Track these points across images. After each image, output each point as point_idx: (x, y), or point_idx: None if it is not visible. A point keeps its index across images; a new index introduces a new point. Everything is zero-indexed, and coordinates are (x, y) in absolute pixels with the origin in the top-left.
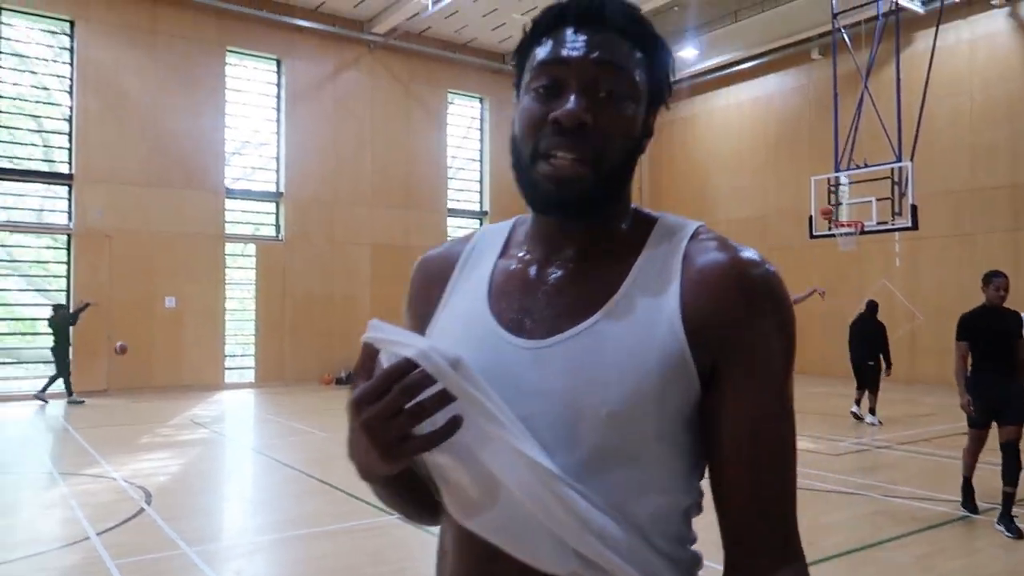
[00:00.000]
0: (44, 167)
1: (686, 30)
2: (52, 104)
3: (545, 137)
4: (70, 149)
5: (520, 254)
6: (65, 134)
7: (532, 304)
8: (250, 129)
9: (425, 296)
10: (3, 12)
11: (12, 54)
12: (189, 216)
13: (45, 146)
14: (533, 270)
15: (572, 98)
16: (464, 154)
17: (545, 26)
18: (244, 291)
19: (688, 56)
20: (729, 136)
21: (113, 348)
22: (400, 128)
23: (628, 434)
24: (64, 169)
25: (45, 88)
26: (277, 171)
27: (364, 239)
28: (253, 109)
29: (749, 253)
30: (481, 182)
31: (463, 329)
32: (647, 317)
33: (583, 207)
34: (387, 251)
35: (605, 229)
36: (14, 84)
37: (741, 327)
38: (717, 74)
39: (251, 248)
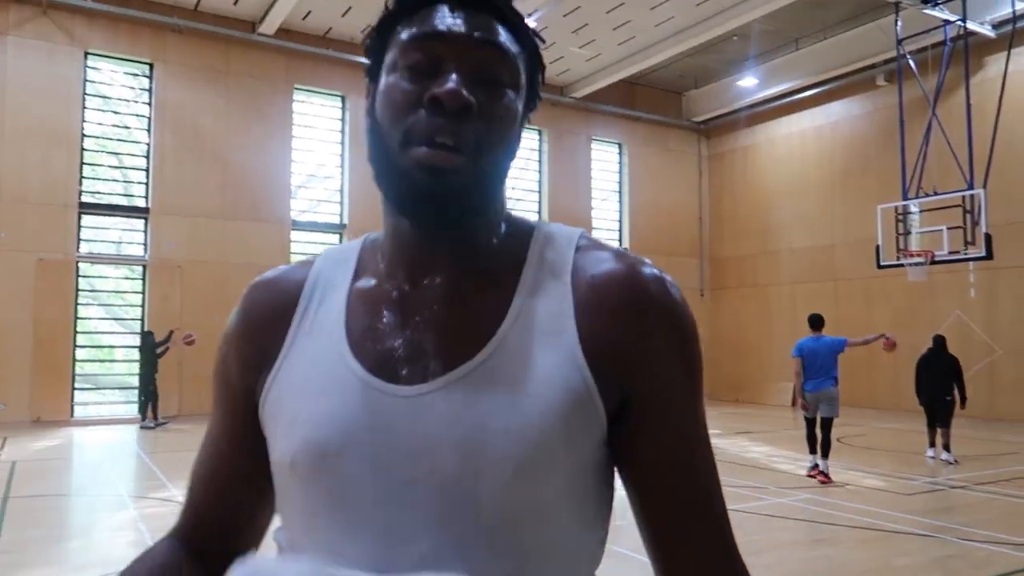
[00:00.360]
0: (123, 201)
1: (745, 59)
2: (132, 142)
3: (420, 121)
4: (147, 184)
5: (379, 280)
6: (143, 170)
7: (403, 341)
8: (315, 163)
9: (259, 337)
10: (90, 57)
11: (97, 95)
12: (257, 247)
13: (125, 181)
14: (398, 298)
15: (454, 76)
16: (523, 185)
17: (413, 4)
18: None
19: (747, 85)
20: (792, 165)
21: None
22: None
23: (537, 489)
24: (141, 203)
25: (126, 127)
26: (341, 203)
27: None
28: (318, 144)
29: (645, 265)
30: (539, 213)
31: (319, 377)
32: (543, 346)
33: (460, 203)
34: None
35: (479, 242)
36: (98, 124)
37: (646, 348)
38: (778, 103)
39: None
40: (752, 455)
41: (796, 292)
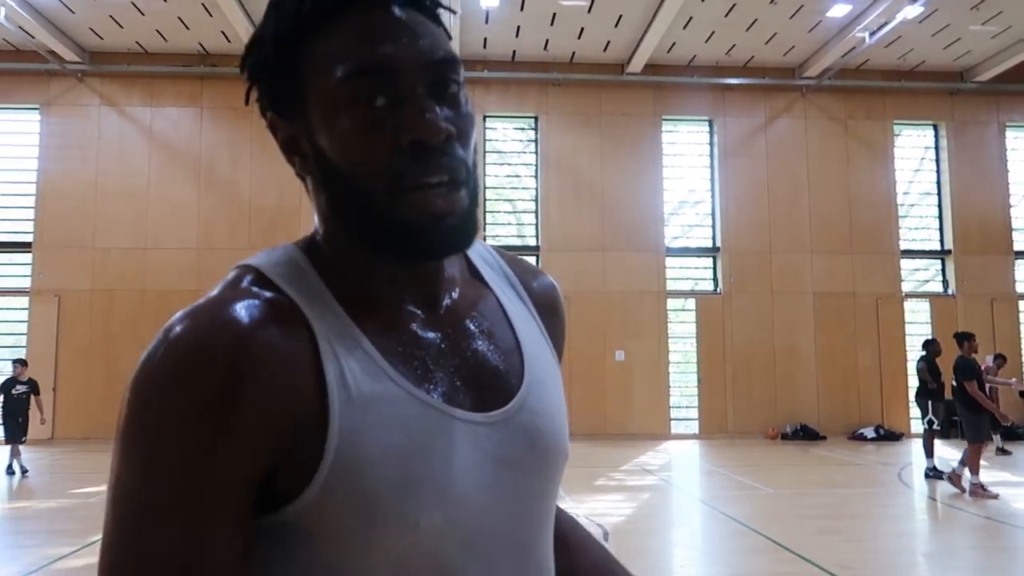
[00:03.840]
0: (517, 242)
1: None
2: (523, 188)
3: (406, 165)
4: (536, 224)
5: (379, 309)
6: (532, 212)
7: (447, 366)
8: (685, 189)
9: (277, 388)
10: (487, 119)
11: (494, 151)
12: (634, 276)
13: (518, 224)
14: (417, 328)
15: (426, 106)
16: (917, 188)
17: (318, 11)
18: (686, 344)
19: None
20: None
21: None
22: (838, 169)
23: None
24: (532, 242)
25: (517, 176)
26: (712, 226)
27: (805, 287)
28: (687, 170)
29: None
30: (940, 217)
31: (426, 433)
32: (542, 352)
33: (468, 236)
34: (831, 299)
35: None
36: (494, 176)
37: (562, 348)
38: None
39: (691, 303)
40: None
41: None
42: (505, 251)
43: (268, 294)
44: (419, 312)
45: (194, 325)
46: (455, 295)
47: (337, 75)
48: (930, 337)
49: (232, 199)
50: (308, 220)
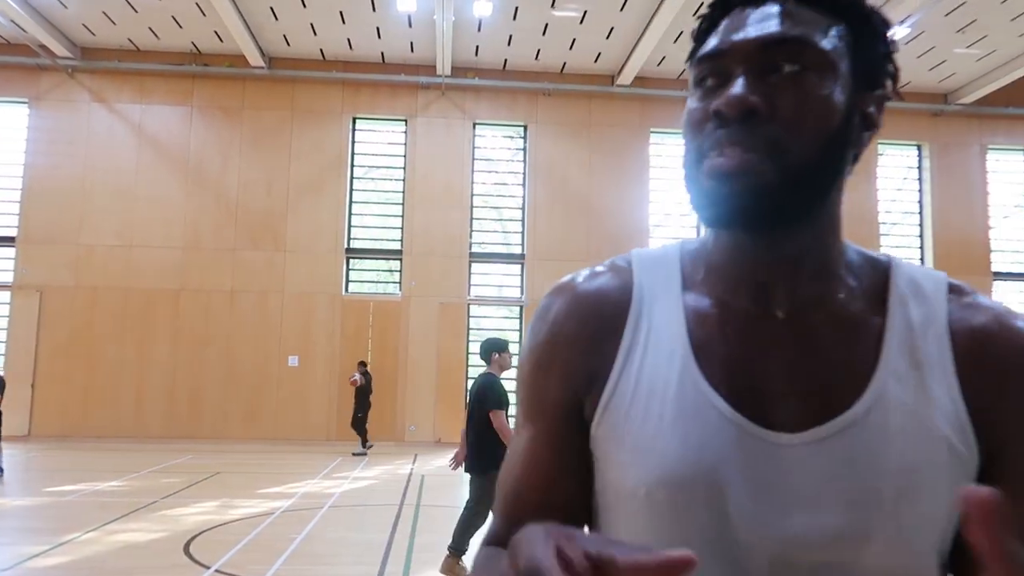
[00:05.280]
0: (502, 249)
1: None
2: (509, 196)
3: (709, 135)
4: (522, 233)
5: (714, 296)
6: (518, 221)
7: (765, 377)
8: (672, 202)
9: (589, 348)
10: (477, 126)
11: (482, 159)
12: None
13: (504, 232)
14: (746, 324)
15: (738, 82)
16: (899, 208)
17: (717, 14)
18: None
19: None
20: None
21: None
22: None
23: (916, 560)
24: (517, 250)
25: (504, 184)
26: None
27: None
28: (674, 183)
29: None
30: (921, 236)
31: (670, 403)
32: (922, 399)
33: (760, 203)
34: None
35: (820, 263)
36: (483, 183)
37: None
38: None
39: None
40: None
41: None
42: (966, 290)
43: (617, 274)
44: (755, 312)
45: (552, 290)
46: (817, 305)
47: (690, 64)
48: None
49: (219, 199)
50: (295, 222)
